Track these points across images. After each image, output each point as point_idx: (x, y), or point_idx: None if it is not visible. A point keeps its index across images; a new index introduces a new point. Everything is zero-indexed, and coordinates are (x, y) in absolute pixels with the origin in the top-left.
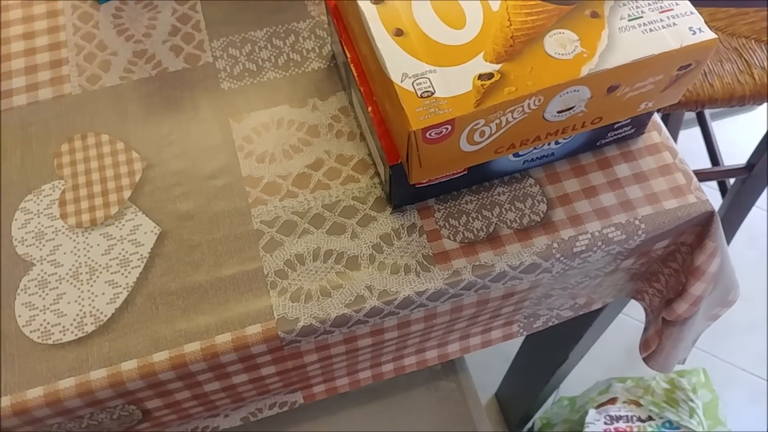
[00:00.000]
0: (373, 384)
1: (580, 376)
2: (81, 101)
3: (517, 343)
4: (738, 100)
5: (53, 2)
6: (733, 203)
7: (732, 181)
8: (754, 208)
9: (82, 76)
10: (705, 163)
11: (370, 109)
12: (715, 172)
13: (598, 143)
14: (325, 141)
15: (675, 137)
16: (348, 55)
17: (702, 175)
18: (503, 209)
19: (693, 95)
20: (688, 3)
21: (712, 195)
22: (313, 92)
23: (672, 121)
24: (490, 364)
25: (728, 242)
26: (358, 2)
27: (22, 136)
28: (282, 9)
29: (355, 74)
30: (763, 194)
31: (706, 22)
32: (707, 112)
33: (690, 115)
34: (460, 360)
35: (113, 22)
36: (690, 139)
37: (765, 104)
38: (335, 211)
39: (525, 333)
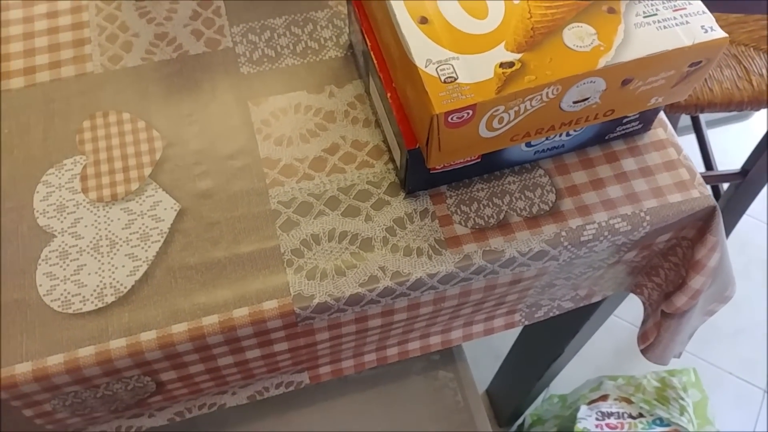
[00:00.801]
0: (372, 372)
1: (570, 377)
2: (103, 80)
3: (509, 339)
4: (736, 105)
5: None
6: (726, 208)
7: (725, 186)
8: (744, 216)
9: (104, 55)
10: (700, 169)
11: (389, 95)
12: (710, 176)
13: (606, 137)
14: (341, 127)
15: None
16: (368, 43)
17: None
18: (513, 198)
19: (693, 99)
20: (701, 3)
21: None
22: (330, 79)
23: None
24: (480, 360)
25: None
26: None
27: (44, 112)
28: None
29: (375, 62)
30: (754, 202)
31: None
32: (703, 119)
33: (685, 122)
34: (459, 350)
35: (135, 4)
36: (685, 145)
37: (756, 114)
38: (350, 194)
39: (527, 322)
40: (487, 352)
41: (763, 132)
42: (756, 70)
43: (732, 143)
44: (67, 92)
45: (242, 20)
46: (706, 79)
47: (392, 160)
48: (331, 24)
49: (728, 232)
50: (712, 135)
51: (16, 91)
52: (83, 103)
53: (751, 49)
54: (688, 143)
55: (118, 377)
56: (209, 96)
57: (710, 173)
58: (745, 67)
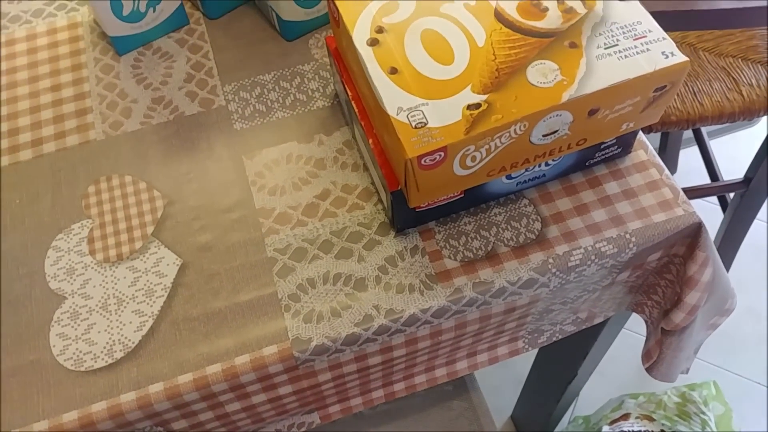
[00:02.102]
0: (387, 406)
1: (595, 397)
2: (105, 146)
3: (527, 364)
4: (728, 117)
5: (77, 57)
6: (734, 218)
7: (732, 195)
8: (756, 221)
9: (106, 123)
10: (705, 180)
11: (370, 141)
12: (714, 187)
13: (587, 163)
14: (331, 173)
15: (675, 156)
16: (349, 93)
17: (701, 191)
18: (500, 229)
19: (684, 114)
20: (660, 29)
21: (713, 210)
22: (318, 128)
23: (672, 141)
24: (503, 387)
25: (732, 257)
26: (356, 45)
27: (52, 181)
28: (288, 53)
29: (356, 110)
30: (764, 207)
31: (682, 40)
32: (704, 130)
33: (689, 134)
34: (471, 379)
35: (132, 72)
36: (691, 157)
37: (764, 119)
38: (342, 236)
39: (530, 348)
40: (509, 379)
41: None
42: (745, 81)
43: (740, 150)
44: (72, 160)
45: (233, 79)
46: (695, 94)
47: (381, 201)
48: (318, 75)
49: (739, 240)
50: (720, 144)
51: (25, 162)
52: (88, 170)
53: (740, 60)
54: (695, 155)
55: (131, 429)
56: (205, 154)
57: (714, 184)
58: (734, 78)
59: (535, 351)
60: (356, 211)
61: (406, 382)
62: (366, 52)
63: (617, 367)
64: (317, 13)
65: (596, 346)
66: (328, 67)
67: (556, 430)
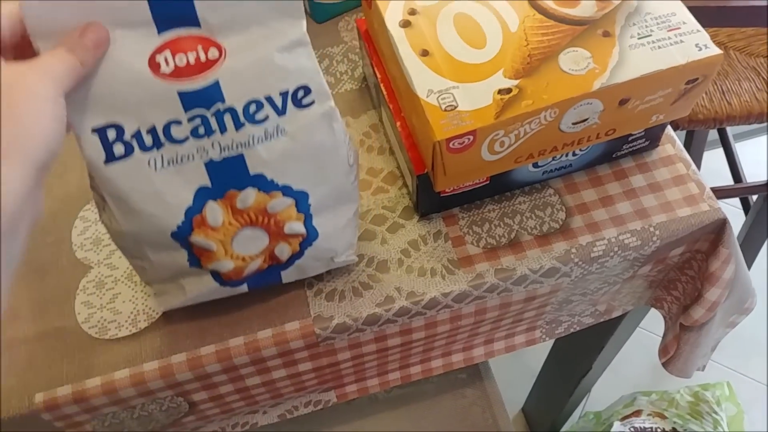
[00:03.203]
0: (401, 390)
1: (606, 393)
2: None
3: (542, 358)
4: (756, 118)
5: None
6: (756, 220)
7: (755, 198)
8: None
9: None
10: (728, 182)
11: (398, 124)
12: (737, 188)
13: (614, 155)
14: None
15: (699, 156)
16: (378, 75)
17: (724, 192)
18: (524, 217)
19: (711, 113)
20: (695, 21)
21: (735, 213)
22: (346, 111)
23: (696, 141)
24: (514, 380)
25: (753, 259)
26: (387, 26)
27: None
28: (317, 35)
29: (385, 93)
30: None
31: (713, 39)
32: (730, 132)
33: (714, 136)
34: (486, 368)
35: None
36: (715, 159)
37: None
38: (367, 218)
39: (547, 338)
40: (522, 371)
41: None
42: None
43: (764, 155)
44: None
45: None
46: (724, 93)
47: (406, 185)
48: (346, 58)
49: (760, 243)
50: (745, 147)
51: None
52: None
53: None
54: (719, 157)
55: (152, 398)
56: None
57: (737, 186)
58: (764, 78)
59: (549, 344)
60: (381, 194)
61: (423, 366)
62: (398, 34)
63: (629, 365)
64: None
65: (612, 340)
66: (357, 50)
67: (566, 424)
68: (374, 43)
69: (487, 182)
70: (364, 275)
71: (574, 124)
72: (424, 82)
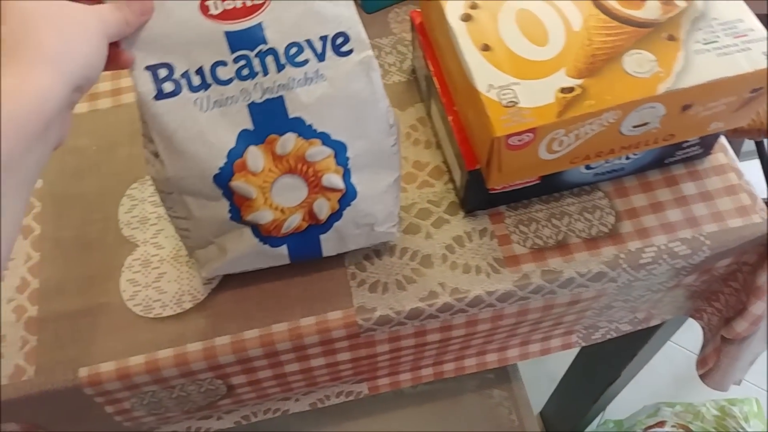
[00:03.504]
0: (428, 387)
1: (626, 402)
2: None
3: (565, 362)
4: None
5: None
6: None
7: None
8: None
9: None
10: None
11: (450, 118)
12: None
13: (666, 161)
14: (403, 148)
15: None
16: (431, 68)
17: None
18: (572, 219)
19: (757, 123)
20: (763, 29)
21: None
22: (393, 103)
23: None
24: (535, 382)
25: None
26: (448, 20)
27: (129, 130)
28: (367, 25)
29: (438, 86)
30: None
31: None
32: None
33: (750, 147)
34: (514, 369)
35: None
36: (748, 171)
37: None
38: (411, 212)
39: (583, 344)
40: (541, 374)
41: None
42: None
43: None
44: None
45: None
46: None
47: (452, 180)
48: (395, 50)
49: None
50: None
51: (104, 111)
52: None
53: None
54: (753, 169)
55: (192, 379)
56: None
57: None
58: None
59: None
60: (426, 188)
61: (456, 363)
62: (458, 27)
63: (651, 375)
64: None
65: (645, 348)
66: (407, 42)
67: (585, 431)
68: (429, 36)
69: (537, 181)
70: (407, 269)
71: (634, 127)
72: (485, 77)
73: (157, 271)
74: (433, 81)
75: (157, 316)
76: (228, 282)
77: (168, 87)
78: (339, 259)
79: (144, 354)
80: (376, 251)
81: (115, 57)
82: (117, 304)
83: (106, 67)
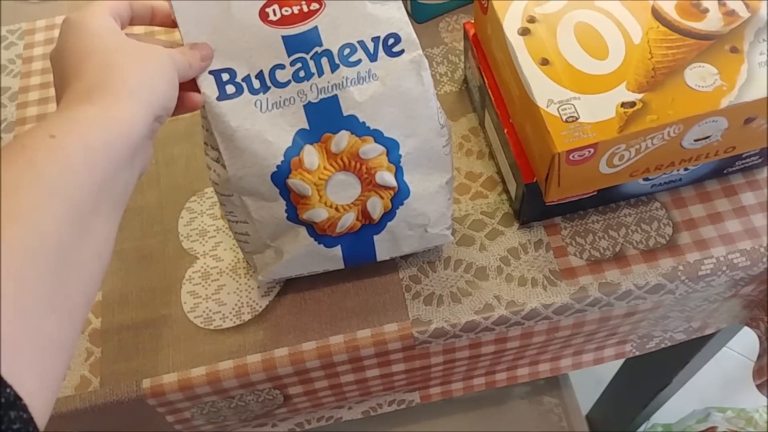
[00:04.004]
0: (477, 393)
1: (673, 406)
2: None
3: (612, 364)
4: None
5: None
6: None
7: None
8: None
9: None
10: None
11: (506, 130)
12: None
13: (724, 171)
14: (455, 158)
15: None
16: (485, 79)
17: None
18: (629, 230)
19: None
20: None
21: None
22: (445, 113)
23: None
24: (581, 385)
25: None
26: (506, 34)
27: (187, 144)
28: (418, 35)
29: (492, 98)
30: None
31: None
32: None
33: None
34: (564, 376)
35: None
36: None
37: None
38: (464, 223)
39: (637, 353)
40: (587, 377)
41: None
42: None
43: None
44: None
45: None
46: None
47: (506, 191)
48: (446, 60)
49: None
50: None
51: (163, 125)
52: None
53: None
54: None
55: (251, 390)
56: None
57: None
58: None
59: None
60: (479, 200)
61: (509, 373)
62: (516, 41)
63: (700, 378)
64: None
65: (698, 356)
66: (458, 51)
67: None
68: (484, 48)
69: (594, 193)
70: (462, 281)
71: (696, 140)
72: (544, 91)
73: (216, 283)
74: (488, 92)
75: (217, 328)
76: (285, 294)
77: (230, 89)
78: (393, 271)
79: (205, 365)
80: (430, 263)
81: (184, 101)
82: (178, 315)
83: (176, 112)
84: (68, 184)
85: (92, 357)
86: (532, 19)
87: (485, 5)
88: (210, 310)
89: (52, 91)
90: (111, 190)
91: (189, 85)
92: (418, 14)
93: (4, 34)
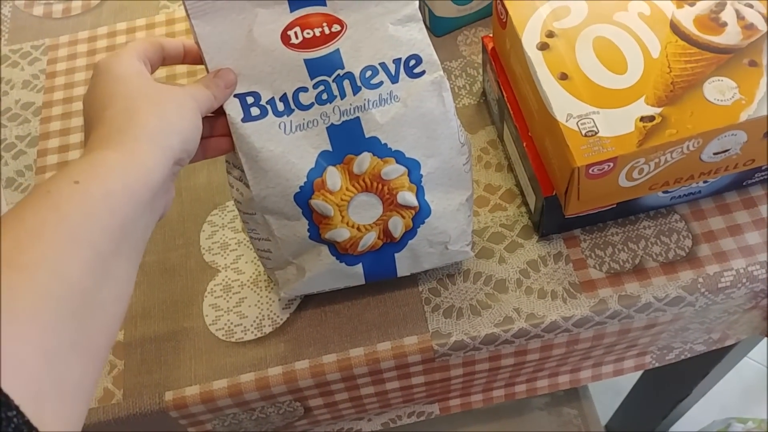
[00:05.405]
0: (496, 404)
1: (692, 416)
2: None
3: (631, 375)
4: None
5: None
6: None
7: None
8: None
9: None
10: None
11: (525, 144)
12: None
13: (744, 183)
14: (474, 171)
15: None
16: (504, 93)
17: None
18: (649, 242)
19: None
20: None
21: None
22: (464, 126)
23: None
24: (599, 396)
25: None
26: (525, 49)
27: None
28: (436, 48)
29: (511, 112)
30: None
31: None
32: None
33: None
34: (583, 387)
35: None
36: None
37: None
38: (484, 236)
39: (657, 364)
40: (607, 388)
41: None
42: None
43: None
44: None
45: None
46: None
47: (525, 203)
48: (465, 73)
49: None
50: None
51: None
52: None
53: None
54: None
55: (272, 402)
56: None
57: None
58: None
59: None
60: (498, 212)
61: (528, 385)
62: (535, 56)
63: (720, 388)
64: (469, 11)
65: (718, 367)
66: (476, 64)
67: None
68: (503, 62)
69: (614, 206)
70: (482, 294)
71: (715, 154)
72: (563, 106)
73: (237, 296)
74: (506, 105)
75: (238, 341)
76: (306, 307)
77: (255, 111)
78: (413, 284)
79: (227, 378)
80: (450, 276)
81: (207, 147)
82: (200, 328)
83: (200, 157)
84: (91, 229)
85: (115, 369)
86: (550, 34)
87: (504, 20)
88: (231, 323)
89: (74, 106)
90: (132, 233)
91: (219, 129)
92: (437, 28)
93: (28, 49)
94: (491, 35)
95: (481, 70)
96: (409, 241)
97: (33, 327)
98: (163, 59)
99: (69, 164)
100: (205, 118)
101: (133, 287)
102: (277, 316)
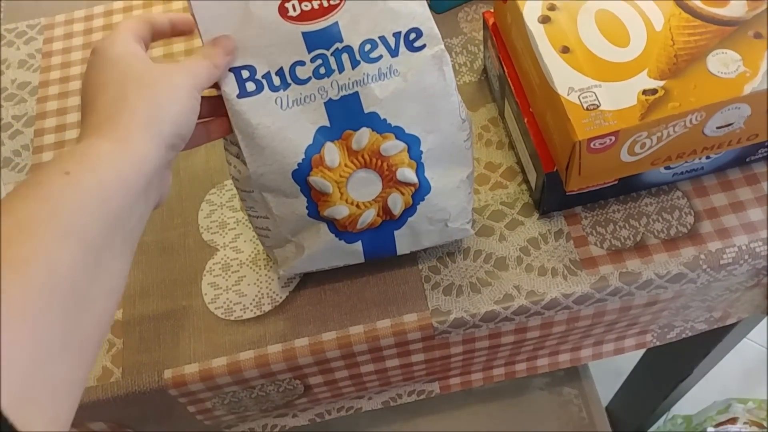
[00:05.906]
0: (497, 384)
1: (693, 397)
2: None
3: (632, 356)
4: None
5: None
6: None
7: None
8: None
9: None
10: None
11: (526, 119)
12: None
13: (747, 159)
14: (475, 149)
15: None
16: (505, 69)
17: None
18: (650, 219)
19: None
20: None
21: None
22: (465, 103)
23: None
24: (601, 377)
25: None
26: (526, 22)
27: None
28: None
29: (512, 88)
30: None
31: None
32: None
33: None
34: (584, 367)
35: None
36: None
37: None
38: (484, 214)
39: (658, 343)
40: (607, 369)
41: None
42: None
43: None
44: None
45: None
46: None
47: (526, 181)
48: (465, 50)
49: None
50: None
51: None
52: None
53: None
54: None
55: (272, 380)
56: None
57: None
58: None
59: None
60: (499, 190)
61: (528, 363)
62: (537, 29)
63: (720, 369)
64: None
65: (719, 347)
66: (477, 41)
67: (653, 427)
68: (504, 37)
69: (615, 182)
70: (482, 271)
71: (718, 128)
72: (565, 79)
73: (236, 275)
74: (507, 81)
75: (237, 319)
76: (305, 285)
77: (250, 86)
78: (413, 262)
79: (226, 356)
80: (450, 254)
81: (210, 129)
82: (199, 307)
83: (204, 140)
84: (83, 222)
85: (114, 348)
86: (552, 7)
87: None
88: (230, 301)
89: (71, 85)
90: (124, 225)
91: (221, 109)
92: (437, 5)
93: (24, 29)
94: (492, 11)
95: (482, 48)
96: (409, 219)
97: (24, 326)
98: (152, 35)
99: (60, 154)
100: (205, 99)
101: (125, 281)
102: (277, 295)
